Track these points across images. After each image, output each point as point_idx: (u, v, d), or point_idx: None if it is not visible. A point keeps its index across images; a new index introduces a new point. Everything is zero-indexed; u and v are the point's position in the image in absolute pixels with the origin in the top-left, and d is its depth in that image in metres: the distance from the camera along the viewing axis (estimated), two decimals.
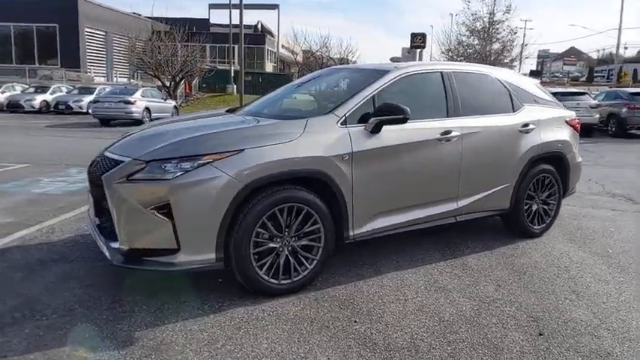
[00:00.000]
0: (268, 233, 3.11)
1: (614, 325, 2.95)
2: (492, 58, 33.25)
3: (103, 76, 33.84)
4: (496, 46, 36.64)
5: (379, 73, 3.83)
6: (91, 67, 32.64)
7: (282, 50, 52.57)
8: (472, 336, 2.79)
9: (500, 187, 4.27)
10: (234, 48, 34.98)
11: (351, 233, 3.45)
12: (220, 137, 3.10)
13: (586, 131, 15.20)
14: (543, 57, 74.66)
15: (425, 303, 3.19)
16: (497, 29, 38.57)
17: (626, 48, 68.51)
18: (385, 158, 3.50)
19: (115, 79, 33.75)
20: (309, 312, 3.02)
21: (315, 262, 3.30)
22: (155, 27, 29.12)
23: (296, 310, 3.04)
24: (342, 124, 3.39)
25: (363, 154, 3.38)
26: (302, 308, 3.07)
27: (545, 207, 4.69)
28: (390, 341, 2.70)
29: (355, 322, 2.92)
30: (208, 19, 46.28)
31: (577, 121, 5.04)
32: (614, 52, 65.63)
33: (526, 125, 4.40)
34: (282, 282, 3.20)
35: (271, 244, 3.14)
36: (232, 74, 32.25)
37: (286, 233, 3.18)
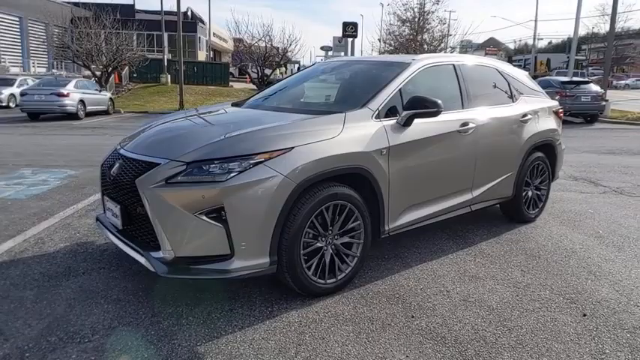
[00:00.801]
0: (314, 233, 3.02)
1: (636, 306, 3.18)
2: (425, 48, 34.25)
3: (19, 66, 30.99)
4: (426, 36, 37.90)
5: (400, 65, 3.82)
6: (5, 56, 29.77)
7: (213, 39, 51.03)
8: (527, 322, 2.89)
9: (506, 175, 4.44)
10: (165, 36, 33.50)
11: (386, 228, 3.44)
12: (268, 135, 2.94)
13: None
14: (466, 47, 78.42)
15: (467, 293, 3.26)
16: (428, 19, 39.90)
17: (540, 39, 73.46)
18: (416, 151, 3.51)
19: (32, 68, 31.04)
20: (363, 310, 2.98)
21: (355, 259, 3.26)
22: (75, 12, 27.06)
23: (349, 309, 2.99)
24: (376, 117, 3.36)
25: (398, 148, 3.37)
26: (354, 307, 3.02)
27: (538, 193, 4.95)
28: (456, 334, 2.73)
29: (413, 317, 2.92)
30: (133, 5, 43.79)
31: (561, 110, 5.34)
32: (530, 42, 70.18)
33: (525, 115, 4.60)
34: (328, 282, 3.13)
35: (317, 244, 3.05)
36: (166, 63, 30.88)
37: (330, 232, 3.10)
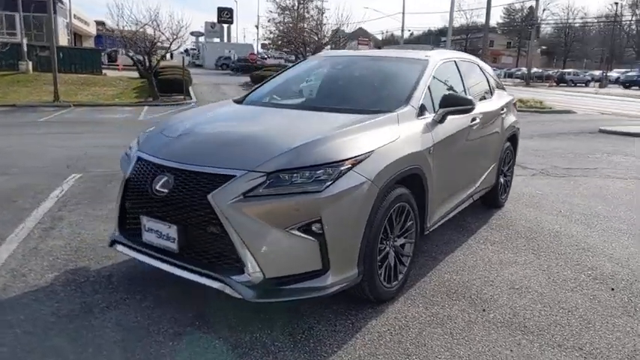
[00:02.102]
0: (382, 237, 2.94)
1: None
2: (304, 37, 34.35)
3: None
4: (306, 25, 38.30)
5: (419, 62, 3.85)
6: None
7: (75, 21, 45.88)
8: (578, 303, 3.16)
9: (493, 165, 4.76)
10: (17, 17, 29.20)
11: (428, 225, 3.48)
12: (344, 139, 2.76)
13: None
14: (339, 37, 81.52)
15: (508, 280, 3.45)
16: (307, 8, 40.49)
17: (409, 31, 78.75)
18: (447, 148, 3.59)
19: None
20: (437, 310, 3.00)
21: (409, 259, 3.25)
22: None
23: (422, 310, 2.98)
24: (417, 116, 3.35)
25: (439, 145, 3.41)
26: (425, 308, 3.02)
27: (507, 179, 5.40)
28: (534, 322, 2.89)
29: (484, 310, 3.02)
30: None
31: (515, 102, 5.86)
32: (396, 33, 75.05)
33: (502, 109, 4.96)
34: (393, 285, 3.08)
35: (386, 248, 2.98)
36: (25, 49, 26.99)
37: (392, 234, 3.05)
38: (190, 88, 23.31)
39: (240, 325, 2.74)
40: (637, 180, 6.91)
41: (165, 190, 2.63)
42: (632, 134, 11.38)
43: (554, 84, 41.89)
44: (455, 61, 4.29)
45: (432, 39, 72.29)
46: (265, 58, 51.31)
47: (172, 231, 2.63)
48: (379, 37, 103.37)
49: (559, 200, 5.66)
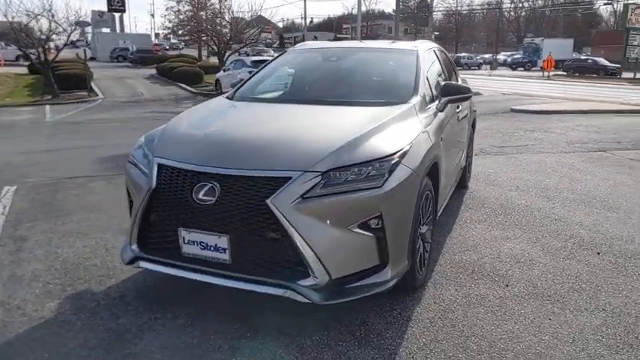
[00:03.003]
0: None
1: (616, 238, 4.14)
2: (205, 26, 32.53)
3: None
4: (209, 13, 36.62)
5: (412, 52, 3.94)
6: None
7: None
8: (578, 269, 3.49)
9: (465, 149, 5.04)
10: None
11: (439, 210, 3.62)
12: (385, 133, 2.77)
13: None
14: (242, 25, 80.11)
15: (511, 254, 3.71)
16: None
17: (310, 19, 79.13)
18: (448, 134, 3.74)
19: None
20: (468, 291, 3.15)
21: (430, 245, 3.36)
22: None
23: (454, 292, 3.12)
24: (426, 105, 3.45)
25: (445, 133, 3.55)
26: (457, 290, 3.16)
27: (469, 160, 5.75)
28: (553, 291, 3.15)
29: (507, 286, 3.23)
30: None
31: None
32: (297, 21, 75.23)
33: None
34: (422, 271, 3.17)
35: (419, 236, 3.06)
36: None
37: (422, 223, 3.13)
38: (93, 84, 21.54)
39: (293, 330, 2.67)
40: (564, 153, 7.70)
41: (211, 199, 2.45)
42: (543, 112, 12.61)
43: None
44: (434, 50, 4.45)
45: (335, 26, 73.57)
46: (168, 49, 48.80)
47: (223, 241, 2.47)
48: (280, 25, 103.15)
49: (511, 177, 6.15)
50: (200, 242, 2.53)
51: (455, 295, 3.08)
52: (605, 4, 50.05)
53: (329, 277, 2.41)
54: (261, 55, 28.51)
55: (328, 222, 2.39)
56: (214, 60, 35.57)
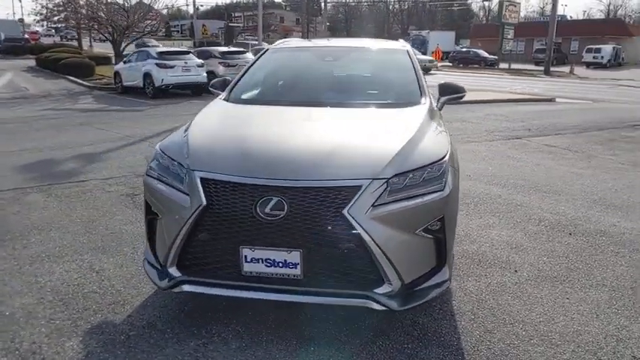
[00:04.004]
0: None
1: (576, 219, 4.68)
2: (87, 12, 28.98)
3: None
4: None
5: (403, 52, 4.05)
6: None
7: None
8: (562, 250, 3.90)
9: None
10: None
11: None
12: (427, 135, 2.83)
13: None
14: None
15: (502, 240, 4.04)
16: None
17: (199, 7, 75.83)
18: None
19: None
20: (488, 279, 3.37)
21: None
22: None
23: (479, 283, 3.32)
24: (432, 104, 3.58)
25: None
26: (477, 280, 3.36)
27: None
28: (557, 272, 3.50)
29: (515, 271, 3.51)
30: None
31: None
32: (183, 9, 72.11)
33: None
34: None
35: None
36: None
37: None
38: None
39: (354, 338, 2.66)
40: (490, 142, 8.44)
41: (280, 213, 2.33)
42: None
43: None
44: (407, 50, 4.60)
45: (226, 14, 71.57)
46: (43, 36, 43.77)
47: (294, 256, 2.36)
48: (164, 12, 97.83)
49: (475, 168, 6.56)
50: (266, 259, 2.40)
51: (478, 286, 3.28)
52: (483, 0, 54.94)
53: (401, 283, 2.44)
54: (147, 46, 25.84)
55: (398, 228, 2.41)
56: (99, 50, 32.71)
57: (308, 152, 2.57)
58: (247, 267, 2.43)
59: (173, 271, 2.58)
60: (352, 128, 2.96)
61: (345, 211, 2.32)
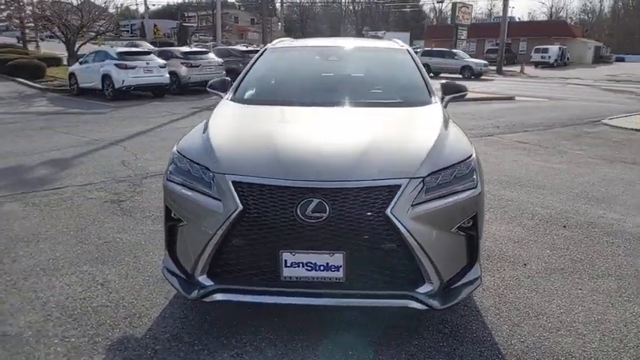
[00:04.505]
0: None
1: (566, 212, 4.86)
2: (33, 11, 27.55)
3: None
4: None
5: (403, 51, 4.07)
6: None
7: None
8: (562, 243, 4.04)
9: None
10: None
11: None
12: (451, 134, 2.85)
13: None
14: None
15: (503, 235, 4.13)
16: None
17: (150, 6, 73.83)
18: None
19: None
20: (501, 274, 3.44)
21: None
22: None
23: (494, 278, 3.38)
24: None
25: None
26: (492, 275, 3.42)
27: None
28: (563, 264, 3.62)
29: (525, 265, 3.60)
30: None
31: None
32: (132, 7, 69.99)
33: None
34: None
35: None
36: None
37: None
38: None
39: (388, 340, 2.64)
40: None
41: (322, 215, 2.27)
42: None
43: None
44: (407, 49, 4.63)
45: (179, 14, 69.85)
46: None
47: (337, 259, 2.31)
48: (112, 12, 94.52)
49: None
50: (307, 263, 2.33)
51: (494, 281, 3.34)
52: (438, 1, 56.40)
53: (441, 282, 2.44)
54: (99, 47, 24.58)
55: (436, 226, 2.41)
56: (45, 50, 31.05)
57: (344, 153, 2.52)
58: (287, 272, 2.35)
59: (203, 279, 2.47)
60: (378, 128, 2.94)
61: (387, 211, 2.29)
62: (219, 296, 2.45)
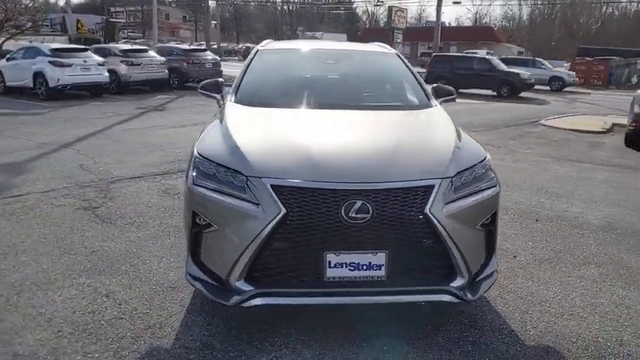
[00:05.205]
0: None
1: (535, 207, 5.23)
2: None
3: None
4: None
5: (393, 55, 4.21)
6: None
7: None
8: (543, 236, 4.36)
9: None
10: None
11: None
12: (463, 137, 2.99)
13: (159, 86, 16.48)
14: None
15: None
16: None
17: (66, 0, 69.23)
18: None
19: None
20: (513, 269, 3.66)
21: None
22: None
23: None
24: None
25: None
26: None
27: None
28: (547, 255, 3.92)
29: (515, 257, 3.86)
30: None
31: None
32: (52, 0, 65.71)
33: None
34: None
35: None
36: None
37: None
38: None
39: (416, 333, 2.75)
40: None
41: (366, 216, 2.33)
42: None
43: (242, 58, 45.56)
44: (397, 53, 4.77)
45: (106, 9, 66.21)
46: None
47: (379, 258, 2.38)
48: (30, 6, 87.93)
49: None
50: (350, 263, 2.38)
51: (503, 278, 3.54)
52: (375, 5, 57.73)
53: (469, 275, 2.58)
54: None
55: (465, 223, 2.55)
56: None
57: (378, 155, 2.60)
58: (330, 272, 2.39)
59: (241, 284, 2.45)
60: (398, 130, 3.05)
61: (427, 210, 2.40)
62: (257, 301, 2.43)
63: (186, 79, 17.56)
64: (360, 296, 2.46)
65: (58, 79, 13.62)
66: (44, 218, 4.46)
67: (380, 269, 2.41)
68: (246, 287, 2.44)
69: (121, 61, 15.81)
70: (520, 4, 69.27)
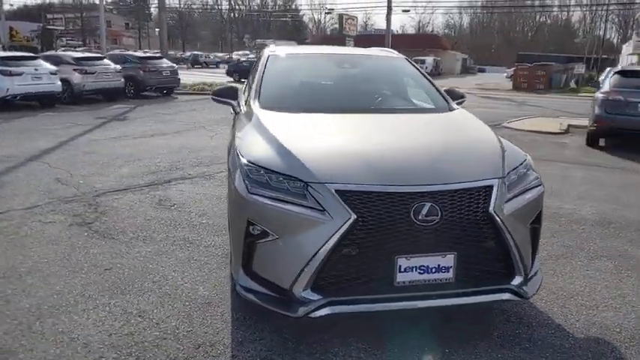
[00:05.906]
0: None
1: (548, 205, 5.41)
2: None
3: None
4: None
5: (401, 59, 4.26)
6: None
7: None
8: (544, 234, 4.52)
9: None
10: None
11: None
12: (500, 137, 3.06)
13: (114, 95, 15.74)
14: None
15: None
16: None
17: (9, 5, 65.26)
18: None
19: None
20: None
21: None
22: None
23: None
24: None
25: None
26: None
27: None
28: (554, 250, 4.06)
29: None
30: None
31: None
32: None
33: None
34: None
35: None
36: None
37: None
38: None
39: (471, 334, 2.76)
40: None
41: (435, 218, 2.32)
42: None
43: (190, 66, 44.63)
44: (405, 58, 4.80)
45: (43, 15, 62.92)
46: None
47: (448, 260, 2.38)
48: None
49: None
50: (420, 267, 2.36)
51: None
52: (326, 13, 58.36)
53: (525, 273, 2.63)
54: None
55: (520, 222, 2.60)
56: None
57: (438, 156, 2.62)
58: (400, 277, 2.36)
59: (307, 294, 2.36)
60: (442, 132, 3.09)
61: (491, 210, 2.42)
62: (326, 310, 2.36)
63: (143, 88, 16.92)
64: (429, 299, 2.44)
65: (8, 89, 12.73)
66: (37, 237, 4.14)
67: (448, 271, 2.41)
68: (313, 297, 2.36)
69: (74, 70, 15.02)
70: (461, 13, 72.37)
